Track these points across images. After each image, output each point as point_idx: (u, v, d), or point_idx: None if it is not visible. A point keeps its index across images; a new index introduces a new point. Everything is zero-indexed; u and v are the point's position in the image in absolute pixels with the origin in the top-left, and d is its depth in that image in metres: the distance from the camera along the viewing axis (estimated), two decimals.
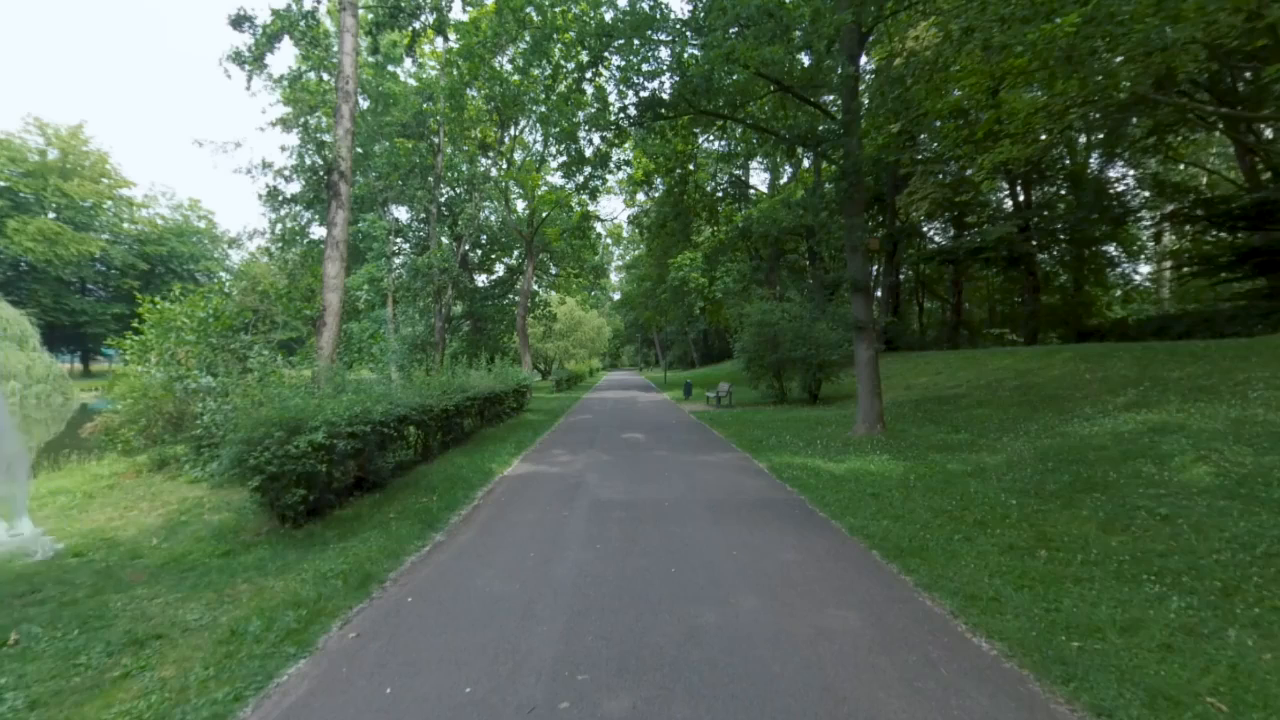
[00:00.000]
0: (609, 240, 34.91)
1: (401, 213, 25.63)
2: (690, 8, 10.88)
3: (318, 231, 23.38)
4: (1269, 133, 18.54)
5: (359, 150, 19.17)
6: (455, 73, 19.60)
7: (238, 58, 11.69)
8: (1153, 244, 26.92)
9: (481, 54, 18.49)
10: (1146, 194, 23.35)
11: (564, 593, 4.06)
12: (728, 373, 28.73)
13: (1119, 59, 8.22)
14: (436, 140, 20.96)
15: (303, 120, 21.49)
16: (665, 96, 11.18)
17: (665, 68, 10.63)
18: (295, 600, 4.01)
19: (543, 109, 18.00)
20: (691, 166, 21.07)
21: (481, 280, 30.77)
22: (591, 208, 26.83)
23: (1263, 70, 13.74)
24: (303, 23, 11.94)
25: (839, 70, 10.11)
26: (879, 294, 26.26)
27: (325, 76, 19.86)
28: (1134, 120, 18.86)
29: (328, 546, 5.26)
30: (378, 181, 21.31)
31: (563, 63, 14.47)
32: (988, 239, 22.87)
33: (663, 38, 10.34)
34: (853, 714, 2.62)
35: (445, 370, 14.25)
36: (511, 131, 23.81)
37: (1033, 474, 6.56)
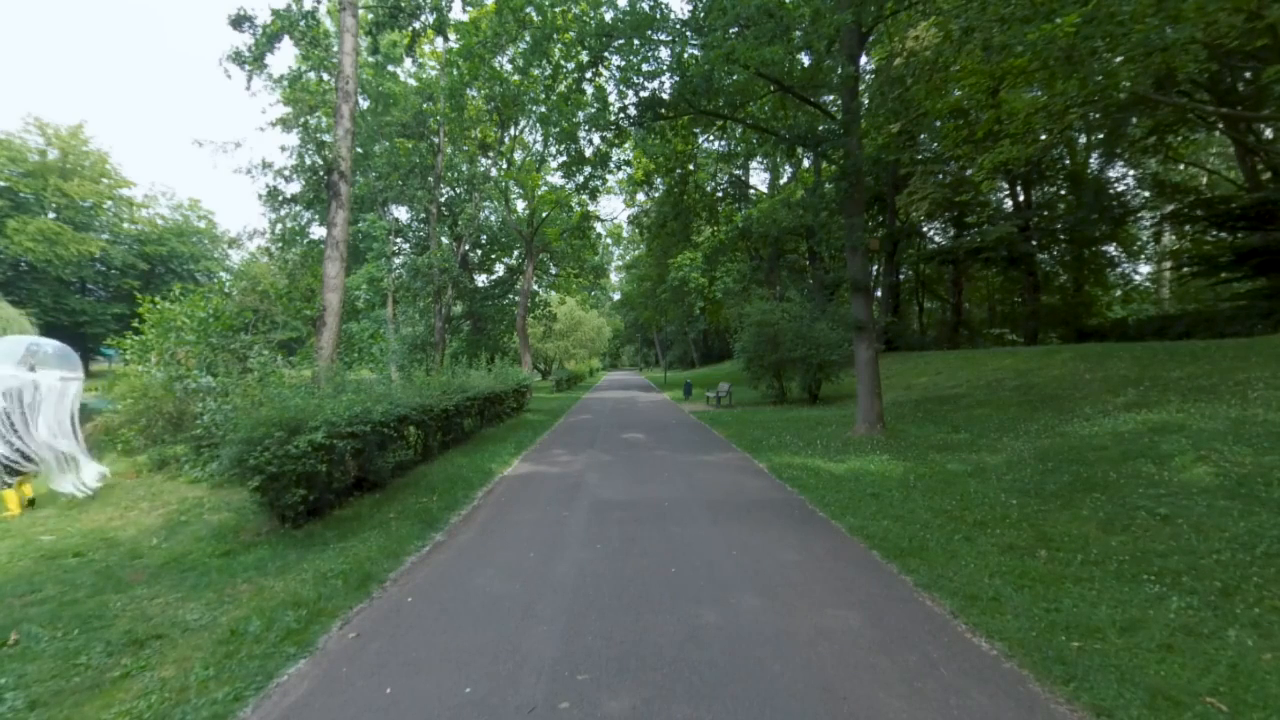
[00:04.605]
0: (609, 240, 34.88)
1: (401, 213, 25.63)
2: (690, 8, 10.87)
3: (318, 231, 23.37)
4: (1269, 133, 18.52)
5: (359, 150, 19.17)
6: (455, 73, 19.59)
7: (238, 58, 11.68)
8: (1153, 244, 26.90)
9: (481, 54, 18.47)
10: (1146, 194, 23.32)
11: (564, 593, 4.06)
12: (728, 373, 28.73)
13: (1119, 59, 8.20)
14: (436, 140, 20.96)
15: (303, 120, 21.48)
16: (665, 96, 11.17)
17: (665, 68, 10.61)
18: (295, 600, 4.02)
19: (543, 109, 17.97)
20: (691, 166, 21.07)
21: (481, 280, 30.77)
22: (591, 208, 26.81)
23: (1263, 70, 13.72)
24: (303, 23, 11.93)
25: (839, 70, 10.10)
26: (879, 294, 26.25)
27: (325, 76, 19.85)
28: (1134, 120, 18.83)
29: (328, 546, 5.26)
30: (378, 181, 21.31)
31: (563, 63, 14.45)
32: (988, 239, 22.85)
33: (663, 38, 10.33)
34: (853, 714, 2.62)
35: (445, 370, 14.25)
36: (511, 131, 23.79)
37: (1033, 474, 6.56)
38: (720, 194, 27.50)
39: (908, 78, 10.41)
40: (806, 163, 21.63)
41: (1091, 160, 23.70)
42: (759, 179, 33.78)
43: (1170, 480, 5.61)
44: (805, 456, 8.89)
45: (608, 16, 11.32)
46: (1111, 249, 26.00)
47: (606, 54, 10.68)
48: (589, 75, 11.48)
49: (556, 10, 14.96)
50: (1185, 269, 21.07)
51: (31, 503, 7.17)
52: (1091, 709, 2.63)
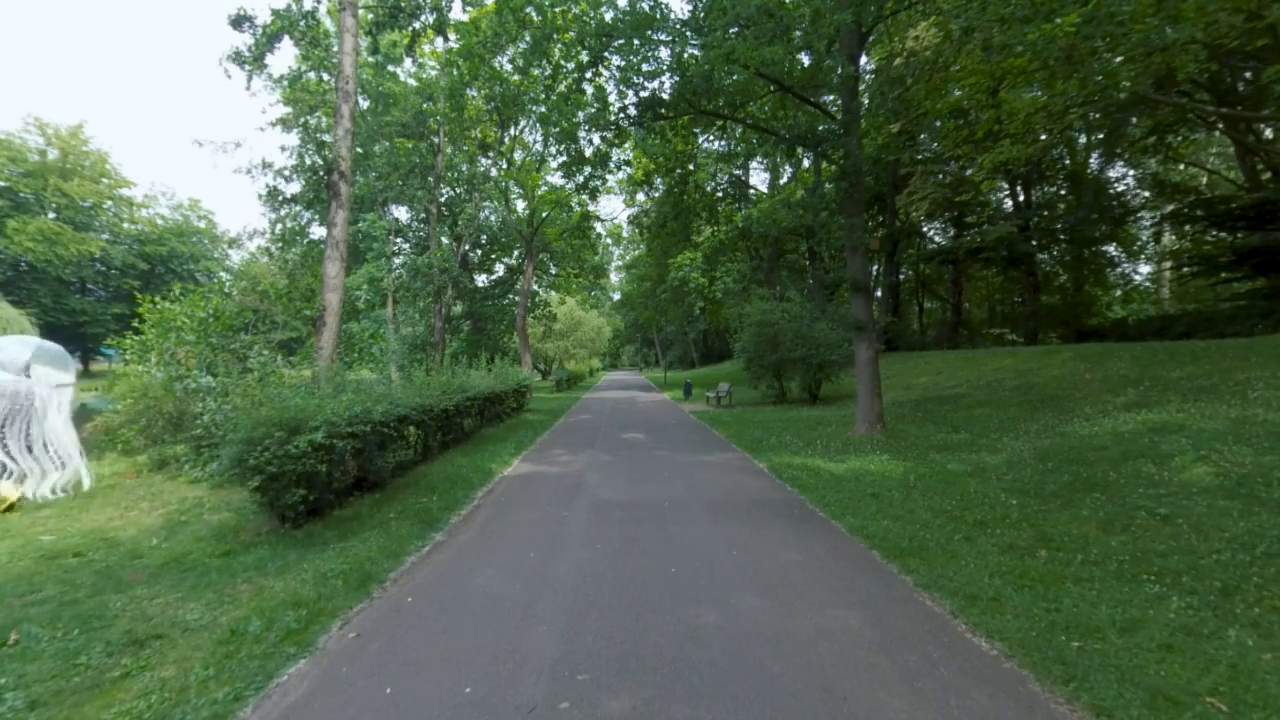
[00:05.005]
0: (609, 240, 34.87)
1: (401, 213, 25.64)
2: (690, 8, 10.87)
3: (318, 231, 23.37)
4: (1269, 133, 18.52)
5: (359, 150, 19.17)
6: (455, 73, 19.59)
7: (238, 58, 11.69)
8: (1153, 244, 26.90)
9: (481, 54, 18.46)
10: (1146, 194, 23.33)
11: (564, 593, 4.06)
12: (728, 373, 28.73)
13: (1119, 59, 8.20)
14: (436, 140, 20.96)
15: (303, 120, 21.49)
16: (665, 96, 11.17)
17: (665, 68, 10.61)
18: (295, 600, 4.01)
19: (543, 109, 17.96)
20: (691, 166, 21.07)
21: (481, 280, 30.77)
22: (591, 208, 26.80)
23: (1263, 70, 13.72)
24: (303, 23, 11.94)
25: (839, 70, 10.10)
26: (879, 294, 26.25)
27: (325, 76, 19.86)
28: (1134, 120, 18.84)
29: (328, 546, 5.26)
30: (378, 181, 21.31)
31: (563, 63, 14.46)
32: (988, 239, 22.86)
33: (663, 38, 10.33)
34: (853, 714, 2.62)
35: (445, 370, 14.25)
36: (511, 131, 23.79)
37: (1033, 474, 6.56)
38: (720, 194, 27.49)
39: (908, 78, 10.42)
40: (806, 163, 21.62)
41: (1091, 160, 23.70)
42: (759, 179, 33.80)
43: (1170, 480, 5.61)
44: (805, 456, 8.88)
45: (608, 16, 11.32)
46: (1111, 249, 26.01)
47: (606, 54, 10.68)
48: (589, 75, 11.48)
49: (556, 10, 14.96)
50: (1185, 269, 21.07)
51: (11, 508, 6.93)
52: (1091, 709, 2.63)
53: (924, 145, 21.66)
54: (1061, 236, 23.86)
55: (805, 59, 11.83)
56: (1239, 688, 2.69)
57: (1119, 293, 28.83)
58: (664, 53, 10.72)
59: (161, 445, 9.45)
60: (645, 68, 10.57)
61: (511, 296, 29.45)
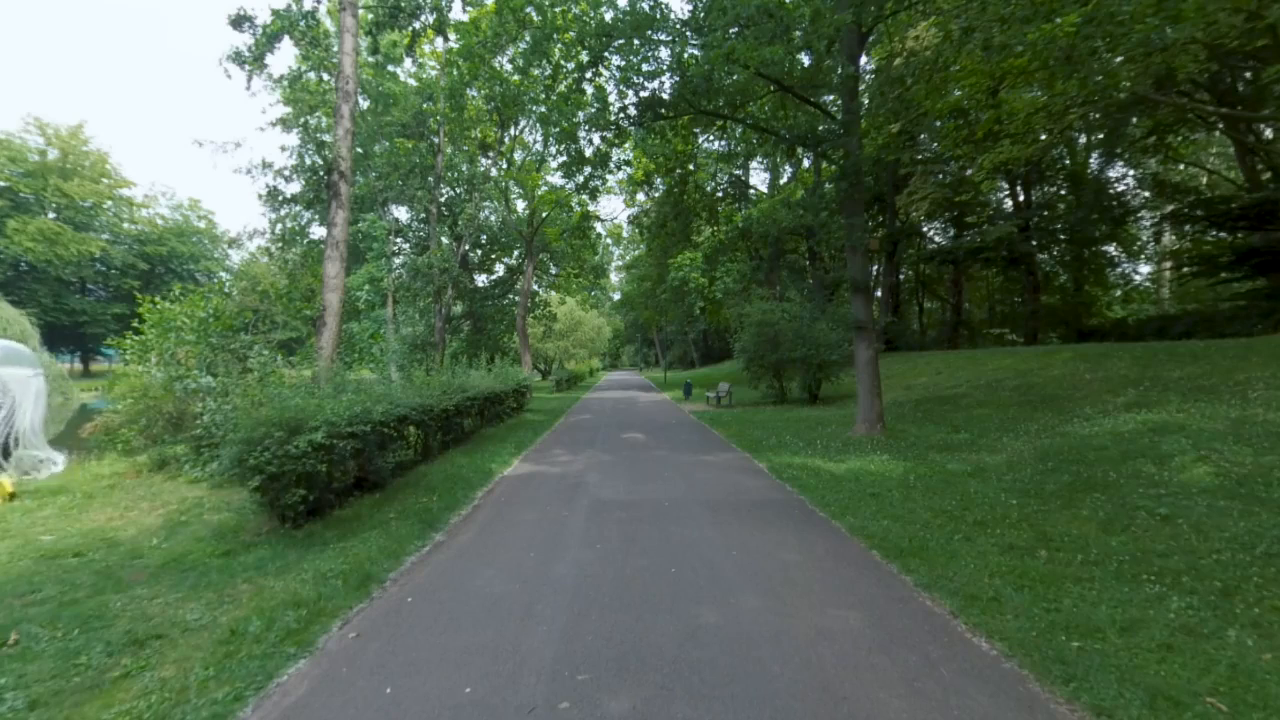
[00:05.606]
0: (609, 240, 34.91)
1: (401, 213, 25.65)
2: (690, 8, 10.88)
3: (318, 231, 23.39)
4: (1269, 133, 18.52)
5: (359, 150, 19.16)
6: (455, 73, 19.61)
7: (238, 58, 11.71)
8: (1153, 244, 26.91)
9: (481, 54, 18.49)
10: (1146, 194, 23.36)
11: (564, 593, 4.06)
12: (728, 373, 28.73)
13: (1119, 59, 8.21)
14: (436, 140, 20.97)
15: (303, 120, 21.52)
16: (665, 96, 11.18)
17: (665, 68, 10.63)
18: (295, 600, 4.01)
19: (543, 109, 17.99)
20: (691, 166, 21.13)
21: (481, 280, 30.77)
22: (591, 208, 26.85)
23: (1263, 70, 13.73)
24: (303, 23, 11.96)
25: (839, 70, 10.11)
26: (879, 294, 26.24)
27: (325, 76, 19.88)
28: (1134, 120, 18.85)
29: (328, 546, 5.26)
30: (378, 181, 21.32)
31: (563, 63, 14.51)
32: (988, 239, 22.87)
33: (663, 38, 10.33)
34: (853, 714, 2.62)
35: (445, 370, 14.24)
36: (511, 131, 23.80)
37: (1033, 474, 6.56)
38: (720, 194, 27.53)
39: (908, 78, 10.42)
40: (806, 163, 21.65)
41: (1091, 160, 23.72)
42: (759, 179, 33.86)
43: (1170, 480, 5.61)
44: (805, 456, 8.88)
45: (608, 16, 11.34)
46: (1111, 249, 26.04)
47: (606, 54, 10.69)
48: (589, 75, 11.50)
49: (556, 10, 14.99)
50: (1185, 269, 21.09)
51: (12, 497, 7.18)
52: (1091, 709, 2.63)
53: (924, 145, 21.66)
54: (1061, 236, 23.88)
55: (805, 59, 11.84)
56: (1239, 688, 2.69)
57: (1119, 293, 28.86)
58: (664, 53, 10.73)
59: (161, 445, 9.44)
60: (645, 68, 10.58)
61: (511, 296, 29.46)
